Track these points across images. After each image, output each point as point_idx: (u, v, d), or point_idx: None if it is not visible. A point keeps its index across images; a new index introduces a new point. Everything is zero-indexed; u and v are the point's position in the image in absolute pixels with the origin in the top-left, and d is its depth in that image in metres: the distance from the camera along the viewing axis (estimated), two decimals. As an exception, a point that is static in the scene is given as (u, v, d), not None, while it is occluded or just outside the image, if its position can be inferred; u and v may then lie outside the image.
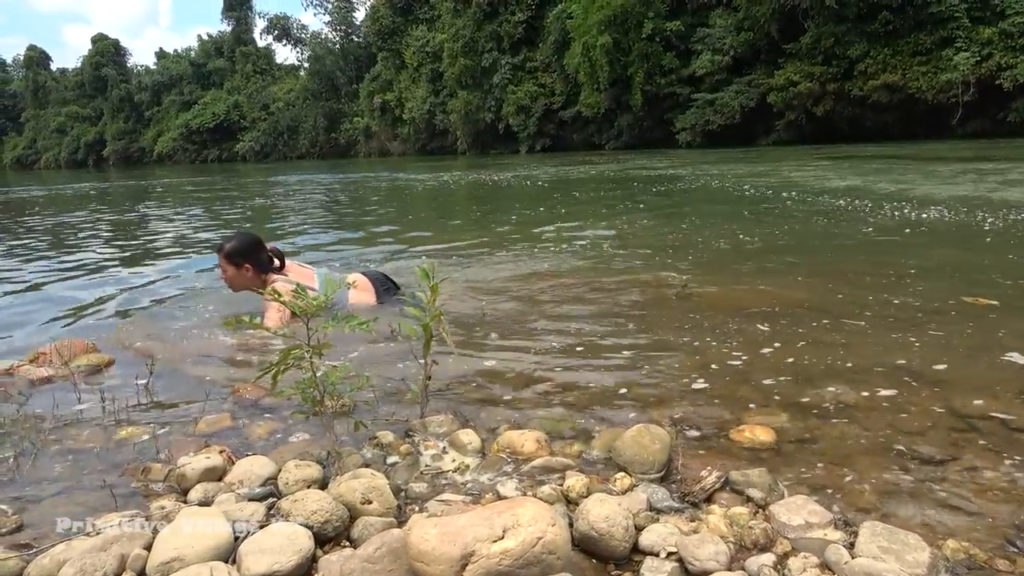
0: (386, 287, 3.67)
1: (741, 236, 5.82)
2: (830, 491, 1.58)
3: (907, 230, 5.70)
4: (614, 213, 8.51)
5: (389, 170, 26.87)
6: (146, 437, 2.04)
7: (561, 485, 1.60)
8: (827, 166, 14.89)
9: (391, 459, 1.82)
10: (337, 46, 68.52)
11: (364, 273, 3.70)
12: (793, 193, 9.33)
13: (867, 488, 1.58)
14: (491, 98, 45.31)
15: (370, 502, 1.50)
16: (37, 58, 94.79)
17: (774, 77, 30.80)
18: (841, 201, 8.00)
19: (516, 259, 5.19)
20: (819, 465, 1.70)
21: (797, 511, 1.45)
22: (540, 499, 1.49)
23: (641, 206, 9.14)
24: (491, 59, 44.88)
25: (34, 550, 1.41)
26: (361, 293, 3.54)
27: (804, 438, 1.87)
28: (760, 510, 1.49)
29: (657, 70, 35.11)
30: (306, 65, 73.51)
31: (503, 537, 1.21)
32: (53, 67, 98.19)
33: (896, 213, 6.68)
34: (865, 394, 2.15)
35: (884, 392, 2.15)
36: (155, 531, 1.43)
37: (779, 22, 30.50)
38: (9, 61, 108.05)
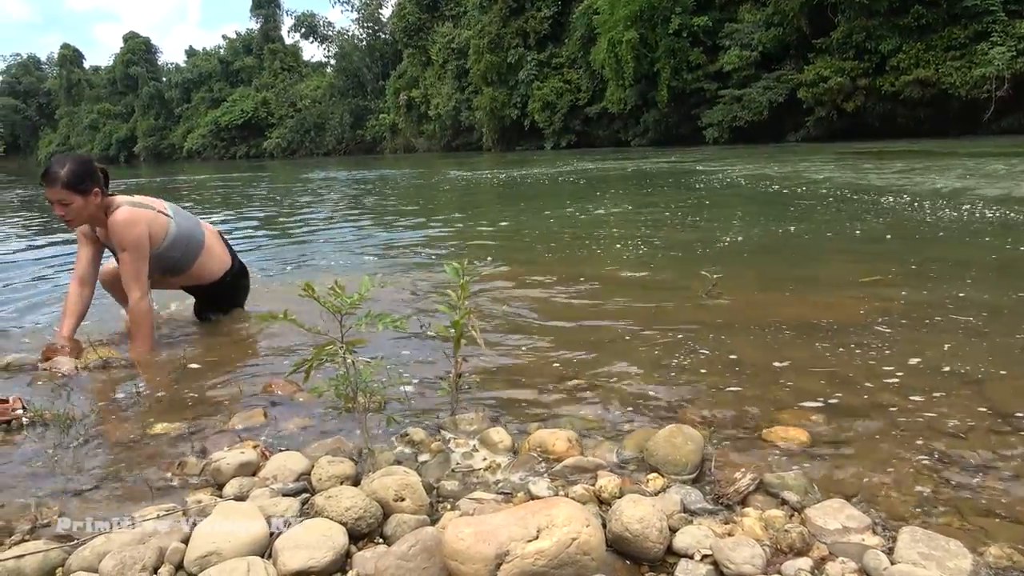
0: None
1: (773, 234, 5.76)
2: (867, 495, 1.55)
3: (947, 229, 5.60)
4: (641, 209, 8.46)
5: (420, 167, 26.98)
6: (181, 431, 2.07)
7: (593, 485, 1.59)
8: (863, 162, 14.66)
9: (422, 457, 1.83)
10: (364, 43, 68.90)
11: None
12: (826, 190, 9.20)
13: (905, 492, 1.56)
14: (517, 94, 45.26)
15: (403, 499, 1.50)
16: (71, 56, 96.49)
17: (803, 72, 30.33)
18: (887, 198, 7.87)
19: (546, 256, 5.18)
20: (855, 468, 1.68)
21: (834, 515, 1.43)
22: (572, 499, 1.48)
23: (670, 203, 9.08)
24: (517, 55, 44.81)
25: (75, 541, 1.43)
26: (215, 241, 3.40)
27: (839, 440, 1.84)
28: (796, 513, 1.48)
29: (684, 66, 34.80)
30: (333, 62, 74.05)
31: (537, 537, 1.21)
32: (86, 65, 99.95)
33: (944, 211, 6.56)
34: (902, 395, 2.11)
35: (922, 393, 2.12)
36: (192, 525, 1.45)
37: (809, 16, 30.05)
38: (44, 59, 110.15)
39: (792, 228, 6.04)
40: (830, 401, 2.11)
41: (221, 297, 3.50)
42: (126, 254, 2.97)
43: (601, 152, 32.05)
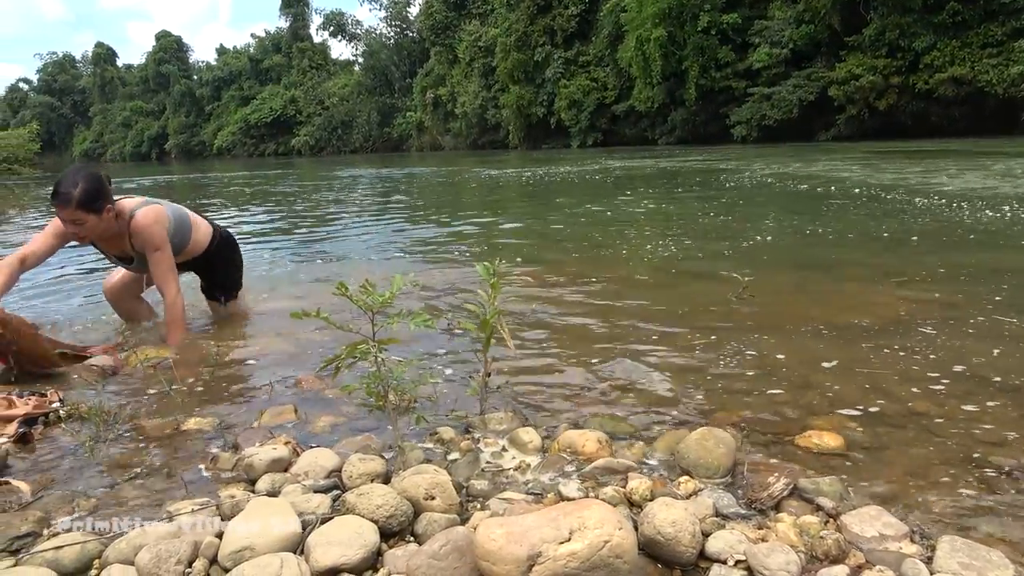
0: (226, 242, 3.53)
1: (805, 234, 5.69)
2: (903, 502, 1.52)
3: (986, 231, 5.49)
4: (670, 209, 8.41)
5: (447, 165, 27.06)
6: (213, 427, 2.10)
7: (624, 487, 1.58)
8: (896, 162, 14.41)
9: (452, 455, 1.83)
10: (391, 41, 69.29)
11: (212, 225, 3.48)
12: (859, 190, 9.06)
13: (943, 500, 1.53)
14: (543, 92, 45.23)
15: (433, 498, 1.50)
16: (104, 55, 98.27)
17: (835, 70, 29.91)
18: (922, 198, 7.74)
19: (574, 255, 5.16)
20: (891, 475, 1.65)
21: (870, 522, 1.40)
22: (603, 501, 1.47)
23: (699, 202, 9.00)
24: (544, 53, 44.76)
25: (111, 533, 1.45)
26: (194, 214, 3.35)
27: (874, 446, 1.81)
28: (831, 520, 1.45)
29: (712, 64, 34.50)
30: (360, 60, 74.55)
31: (569, 539, 1.20)
32: (119, 63, 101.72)
33: (983, 212, 6.43)
34: (939, 401, 2.08)
35: (961, 400, 2.08)
36: (224, 519, 1.46)
37: (841, 13, 29.62)
38: (79, 58, 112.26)
39: (824, 228, 5.95)
40: (865, 406, 2.07)
41: (216, 265, 3.48)
42: (159, 252, 3.02)
43: (628, 151, 31.88)
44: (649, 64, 35.87)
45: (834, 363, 2.46)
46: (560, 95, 43.35)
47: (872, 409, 2.04)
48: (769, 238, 5.55)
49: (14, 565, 1.35)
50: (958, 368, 2.34)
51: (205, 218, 3.44)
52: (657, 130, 39.14)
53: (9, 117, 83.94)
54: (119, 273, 3.46)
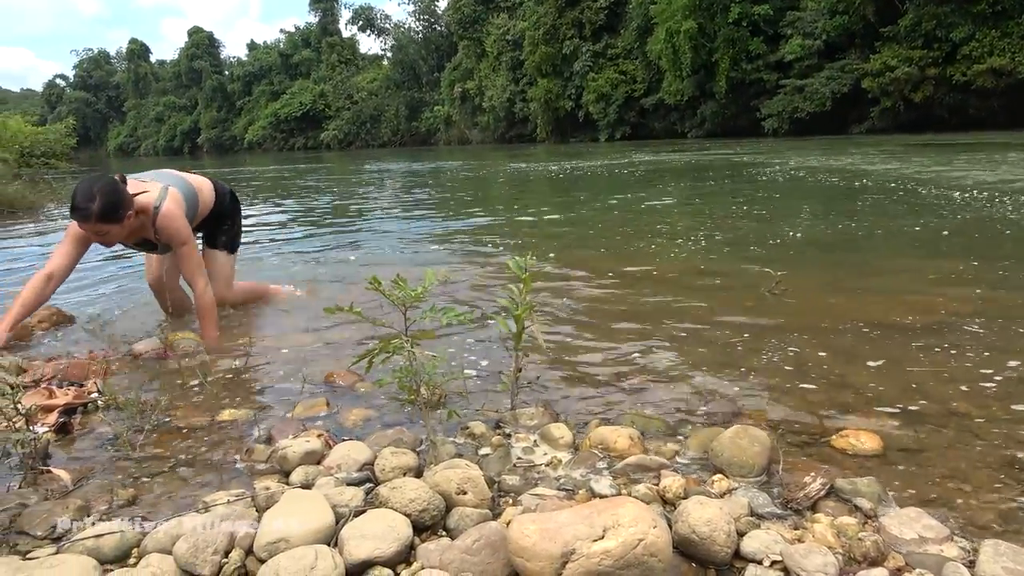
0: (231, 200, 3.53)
1: (839, 229, 5.59)
2: (944, 505, 1.49)
3: None
4: (701, 203, 8.33)
5: (475, 159, 27.08)
6: (247, 418, 2.12)
7: (657, 485, 1.57)
8: (933, 155, 14.13)
9: (483, 450, 1.83)
10: (420, 35, 69.51)
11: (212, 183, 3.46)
12: (894, 184, 8.90)
13: (985, 503, 1.49)
14: (571, 86, 45.07)
15: (465, 493, 1.50)
16: (138, 51, 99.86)
17: (869, 62, 29.35)
18: (960, 193, 7.57)
19: (605, 250, 5.14)
20: (930, 476, 1.62)
21: (910, 524, 1.37)
22: (636, 499, 1.46)
23: (730, 196, 8.91)
24: (572, 46, 44.60)
25: (149, 523, 1.48)
26: (188, 176, 3.32)
27: (913, 447, 1.78)
28: (869, 521, 1.43)
29: (743, 56, 34.11)
30: (389, 55, 74.90)
31: (603, 537, 1.19)
32: (152, 59, 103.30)
33: None
34: (981, 403, 2.03)
35: (1003, 401, 2.03)
36: (259, 511, 1.48)
37: (876, 4, 29.05)
38: (113, 54, 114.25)
39: (858, 223, 5.85)
40: (903, 406, 2.03)
41: (225, 218, 3.48)
42: (186, 247, 3.04)
43: (657, 144, 31.66)
44: (679, 56, 35.57)
45: (870, 361, 2.42)
46: (588, 88, 43.16)
47: (911, 409, 2.01)
48: (802, 233, 5.47)
49: (56, 552, 1.38)
50: (999, 368, 2.29)
51: (202, 175, 3.41)
52: (686, 123, 38.81)
53: (47, 113, 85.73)
54: (156, 261, 3.50)
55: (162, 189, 3.07)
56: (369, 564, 1.29)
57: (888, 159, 13.78)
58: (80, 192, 2.75)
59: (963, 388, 2.14)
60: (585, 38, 44.54)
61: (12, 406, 1.83)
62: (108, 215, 2.76)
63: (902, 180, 9.33)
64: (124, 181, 2.90)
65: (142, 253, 3.47)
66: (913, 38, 28.40)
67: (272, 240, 6.82)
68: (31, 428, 1.87)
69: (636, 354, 2.62)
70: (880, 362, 2.40)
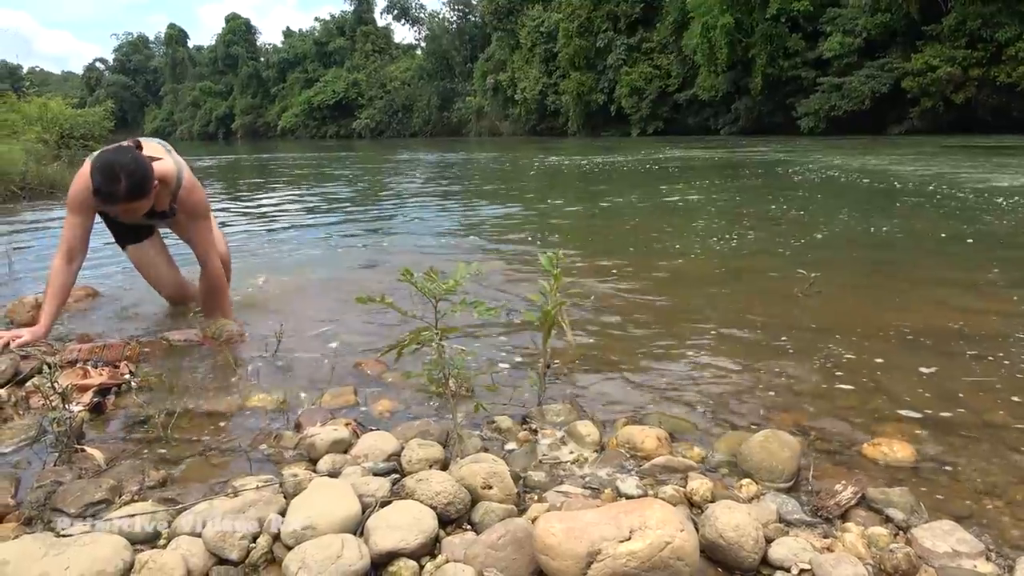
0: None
1: (876, 231, 5.49)
2: (978, 519, 1.46)
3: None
4: (734, 201, 8.24)
5: (507, 151, 27.06)
6: (276, 405, 2.14)
7: (684, 487, 1.56)
8: (974, 158, 13.81)
9: (509, 445, 1.83)
10: (454, 26, 69.47)
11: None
12: (933, 186, 8.71)
13: (1021, 519, 1.45)
14: (604, 79, 44.77)
15: (491, 487, 1.50)
16: (176, 36, 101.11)
17: (911, 61, 28.71)
18: (1003, 199, 7.40)
19: (636, 247, 5.10)
20: (965, 489, 1.58)
21: (943, 537, 1.35)
22: (663, 500, 1.45)
23: (765, 195, 8.80)
24: (606, 40, 44.27)
25: (179, 506, 1.50)
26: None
27: (946, 458, 1.74)
28: (901, 532, 1.40)
29: (781, 52, 33.56)
30: (423, 45, 75.02)
31: (630, 538, 1.19)
32: (190, 44, 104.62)
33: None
34: (1018, 414, 1.98)
35: (1042, 414, 1.98)
36: (287, 497, 1.49)
37: (920, 2, 28.40)
38: (152, 38, 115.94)
39: (896, 226, 5.74)
40: (937, 415, 1.99)
41: None
42: (207, 220, 2.95)
43: (689, 140, 31.34)
44: (715, 52, 35.14)
45: (904, 368, 2.37)
46: (622, 82, 42.83)
47: (945, 419, 1.96)
48: (837, 234, 5.39)
49: (89, 531, 1.40)
50: (1040, 379, 2.23)
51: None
52: (720, 120, 38.36)
53: (86, 95, 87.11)
54: (165, 272, 3.31)
55: (170, 155, 2.89)
56: (394, 555, 1.29)
57: (928, 161, 13.50)
58: (102, 173, 2.54)
59: (999, 399, 2.09)
60: (620, 31, 44.19)
61: (49, 385, 1.87)
62: (136, 192, 2.59)
63: (942, 183, 9.13)
64: (140, 147, 2.73)
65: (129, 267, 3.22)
66: (957, 37, 27.73)
67: (302, 225, 6.87)
68: (67, 407, 1.91)
69: (665, 353, 2.60)
70: (914, 369, 2.36)
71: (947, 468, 1.69)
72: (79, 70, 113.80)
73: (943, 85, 27.71)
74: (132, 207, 2.67)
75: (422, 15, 75.78)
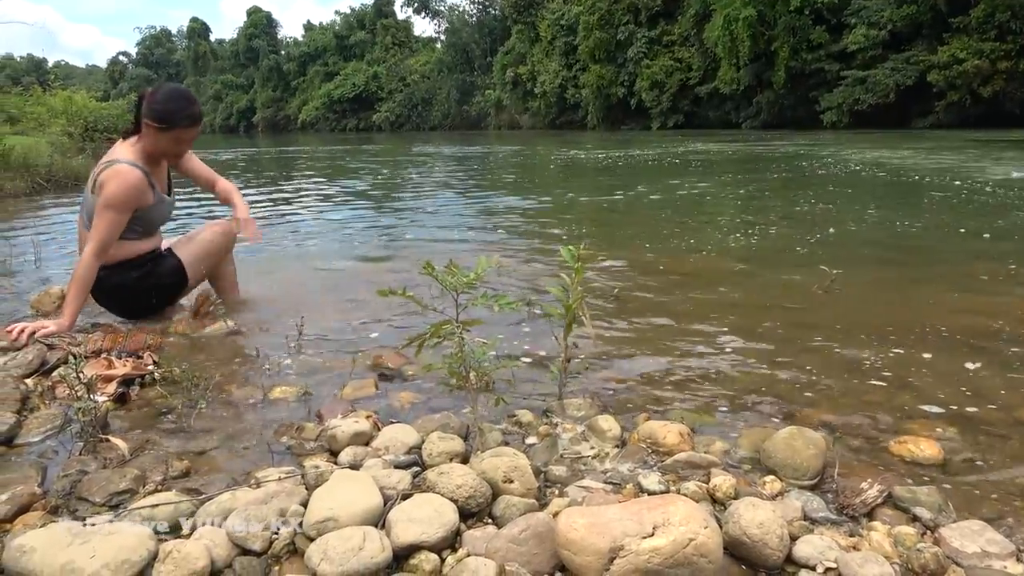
0: None
1: (901, 227, 5.42)
2: (1008, 519, 1.43)
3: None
4: (756, 196, 8.16)
5: (526, 144, 27.01)
6: (298, 397, 2.15)
7: (706, 483, 1.54)
8: (1003, 152, 13.57)
9: (530, 439, 1.83)
10: (474, 19, 69.40)
11: None
12: (959, 181, 8.57)
13: (1054, 520, 1.42)
14: (625, 72, 44.54)
15: (512, 481, 1.50)
16: (198, 29, 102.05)
17: (937, 54, 28.27)
18: None
19: (656, 242, 5.07)
20: (995, 489, 1.55)
21: (973, 538, 1.32)
22: (686, 496, 1.44)
23: (787, 190, 8.71)
24: (627, 32, 44.03)
25: (203, 496, 1.51)
26: None
27: (975, 457, 1.70)
28: (928, 532, 1.38)
29: (804, 45, 33.18)
30: (443, 38, 75.00)
31: (653, 534, 1.18)
32: (212, 38, 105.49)
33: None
34: (1051, 414, 1.94)
35: (1075, 413, 1.93)
36: (309, 489, 1.50)
37: (948, -7, 27.96)
38: (174, 32, 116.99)
39: (922, 221, 5.66)
40: (965, 413, 1.95)
41: None
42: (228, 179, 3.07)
43: (710, 134, 31.10)
44: (736, 44, 34.83)
45: (931, 365, 2.33)
46: (642, 75, 42.60)
47: (974, 417, 1.93)
48: (861, 229, 5.32)
49: (113, 520, 1.41)
50: (1071, 378, 2.19)
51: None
52: (741, 113, 38.05)
53: (110, 88, 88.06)
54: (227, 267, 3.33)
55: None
56: (415, 548, 1.29)
57: (954, 155, 13.29)
58: (184, 98, 2.83)
59: (1030, 398, 2.05)
60: (640, 24, 43.91)
61: (75, 375, 1.89)
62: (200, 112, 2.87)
63: (969, 177, 8.98)
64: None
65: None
66: (985, 30, 27.25)
67: (323, 217, 6.91)
68: (92, 397, 1.93)
69: (686, 348, 2.58)
70: (941, 366, 2.32)
71: (976, 466, 1.66)
72: (103, 63, 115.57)
73: (970, 78, 27.27)
74: (197, 133, 2.90)
75: (442, 8, 75.83)
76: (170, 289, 3.06)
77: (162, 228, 3.18)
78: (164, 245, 3.12)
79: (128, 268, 2.92)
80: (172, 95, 2.81)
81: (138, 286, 2.93)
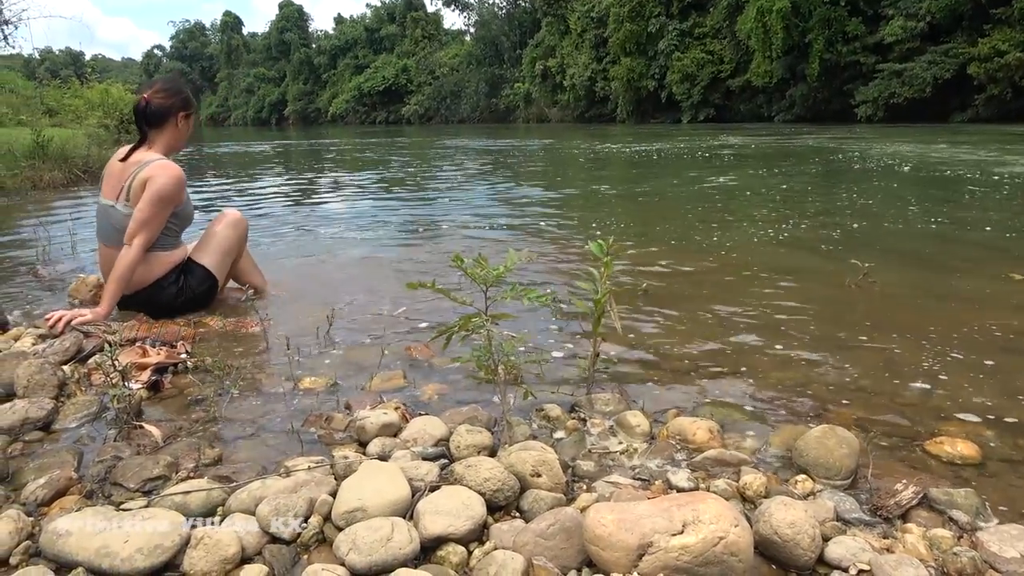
0: None
1: (939, 223, 5.30)
2: (1048, 524, 1.39)
3: None
4: (789, 190, 8.04)
5: (556, 138, 26.92)
6: (327, 387, 2.17)
7: (736, 481, 1.52)
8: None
9: (557, 433, 1.82)
10: (503, 11, 69.21)
11: None
12: (999, 176, 8.37)
13: (1097, 525, 1.38)
14: (655, 65, 44.12)
15: (539, 475, 1.50)
16: (231, 23, 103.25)
17: (977, 46, 27.55)
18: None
19: (687, 236, 5.03)
20: (1034, 492, 1.51)
21: (1011, 542, 1.29)
22: (716, 494, 1.42)
23: (821, 185, 8.57)
24: (658, 24, 43.58)
25: (234, 484, 1.53)
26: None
27: (1014, 458, 1.67)
28: (964, 535, 1.35)
29: (839, 37, 32.55)
30: (472, 31, 74.96)
31: (682, 532, 1.16)
32: (244, 31, 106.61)
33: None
34: (1093, 415, 1.88)
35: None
36: (338, 479, 1.51)
37: (989, -16, 27.23)
38: (208, 25, 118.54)
39: (960, 218, 5.53)
40: (1003, 413, 1.91)
41: None
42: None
43: (742, 127, 30.69)
44: (770, 36, 34.29)
45: (967, 364, 2.28)
46: (673, 68, 42.16)
47: (1012, 416, 1.88)
48: (897, 225, 5.21)
49: (146, 505, 1.44)
50: (1116, 379, 2.12)
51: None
52: (774, 106, 37.51)
53: (145, 81, 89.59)
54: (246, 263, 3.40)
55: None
56: (443, 540, 1.30)
57: (994, 150, 12.97)
58: (180, 80, 3.13)
59: (1074, 399, 2.00)
60: (672, 16, 43.46)
61: (110, 363, 1.92)
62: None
63: (1011, 173, 8.76)
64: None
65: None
66: (1029, 21, 26.52)
67: (353, 208, 6.95)
68: (126, 385, 1.96)
69: (716, 344, 2.55)
70: (978, 365, 2.27)
71: (1015, 468, 1.62)
72: (138, 57, 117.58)
73: (1012, 71, 26.54)
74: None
75: (472, 1, 75.66)
76: (207, 295, 3.11)
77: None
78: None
79: (164, 286, 2.95)
80: (178, 81, 3.05)
81: (174, 303, 2.97)
